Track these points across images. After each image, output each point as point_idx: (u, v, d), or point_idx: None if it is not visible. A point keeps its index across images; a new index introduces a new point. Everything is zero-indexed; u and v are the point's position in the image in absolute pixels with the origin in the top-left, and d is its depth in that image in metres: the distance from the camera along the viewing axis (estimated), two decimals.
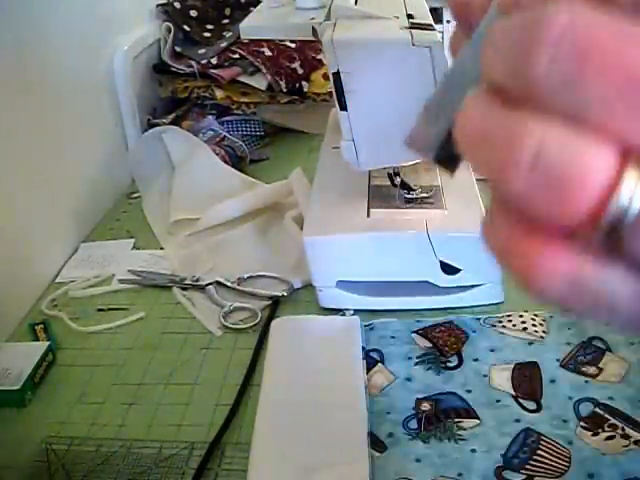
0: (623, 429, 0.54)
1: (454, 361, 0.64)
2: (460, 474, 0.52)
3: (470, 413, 0.58)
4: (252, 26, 0.79)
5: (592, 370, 0.61)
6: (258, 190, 0.97)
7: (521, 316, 0.69)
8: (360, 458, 0.52)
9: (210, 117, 1.13)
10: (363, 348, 0.65)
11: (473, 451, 0.54)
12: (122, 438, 0.59)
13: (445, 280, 0.70)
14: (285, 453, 0.54)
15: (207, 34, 1.21)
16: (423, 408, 0.59)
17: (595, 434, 0.54)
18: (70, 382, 0.67)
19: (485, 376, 0.62)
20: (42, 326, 0.74)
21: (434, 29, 0.65)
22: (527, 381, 0.61)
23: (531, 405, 0.58)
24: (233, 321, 0.74)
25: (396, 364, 0.64)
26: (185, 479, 0.54)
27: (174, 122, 1.14)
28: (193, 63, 1.13)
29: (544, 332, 0.66)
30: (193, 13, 1.21)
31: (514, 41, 0.16)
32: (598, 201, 0.15)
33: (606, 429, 0.55)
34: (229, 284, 0.78)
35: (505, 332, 0.67)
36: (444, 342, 0.66)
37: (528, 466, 0.52)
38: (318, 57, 1.21)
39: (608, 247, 0.16)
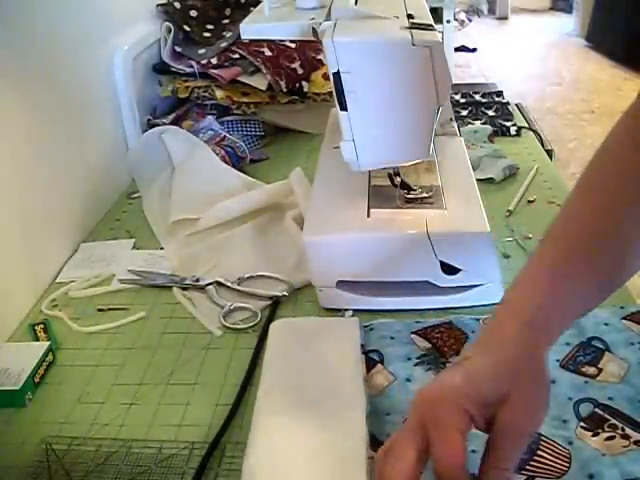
0: (623, 429, 0.54)
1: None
2: None
3: None
4: (252, 26, 0.79)
5: (592, 370, 0.61)
6: (258, 190, 0.97)
7: None
8: (360, 458, 0.52)
9: (210, 117, 1.13)
10: (363, 349, 0.65)
11: (473, 451, 0.54)
12: (122, 438, 0.59)
13: (445, 280, 0.70)
14: (283, 454, 0.54)
15: (207, 34, 1.21)
16: None
17: (595, 434, 0.54)
18: (70, 382, 0.67)
19: None
20: (42, 326, 0.74)
21: (434, 29, 0.65)
22: None
23: None
24: (233, 321, 0.74)
25: (396, 365, 0.64)
26: (185, 479, 0.54)
27: (174, 122, 1.14)
28: (193, 63, 1.13)
29: None
30: (193, 13, 1.21)
31: None
32: None
33: (606, 429, 0.55)
34: (229, 284, 0.78)
35: None
36: (443, 343, 0.66)
37: (528, 466, 0.52)
38: (318, 57, 1.21)
39: None
